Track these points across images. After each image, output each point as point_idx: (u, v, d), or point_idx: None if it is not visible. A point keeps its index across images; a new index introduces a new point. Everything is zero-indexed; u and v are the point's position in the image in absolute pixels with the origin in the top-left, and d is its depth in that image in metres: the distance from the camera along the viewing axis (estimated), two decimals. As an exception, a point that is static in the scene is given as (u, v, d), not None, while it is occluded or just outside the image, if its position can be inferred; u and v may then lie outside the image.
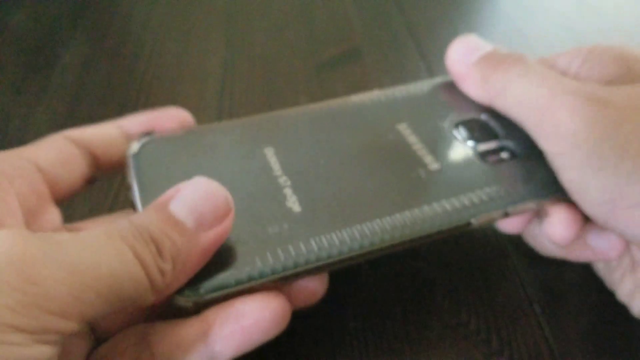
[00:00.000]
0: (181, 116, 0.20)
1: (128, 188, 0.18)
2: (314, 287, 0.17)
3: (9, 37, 0.37)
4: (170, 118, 0.20)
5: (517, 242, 0.23)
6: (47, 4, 0.41)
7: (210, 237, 0.15)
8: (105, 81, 0.33)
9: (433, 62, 0.35)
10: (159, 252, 0.13)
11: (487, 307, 0.21)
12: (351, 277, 0.22)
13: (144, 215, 0.14)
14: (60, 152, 0.18)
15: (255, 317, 0.15)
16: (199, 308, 0.15)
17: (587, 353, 0.19)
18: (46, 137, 0.18)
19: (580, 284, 0.22)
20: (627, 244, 0.19)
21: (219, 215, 0.15)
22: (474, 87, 0.21)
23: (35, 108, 0.31)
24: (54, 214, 0.17)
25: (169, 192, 0.15)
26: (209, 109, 0.31)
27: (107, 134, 0.19)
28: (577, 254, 0.20)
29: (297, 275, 0.16)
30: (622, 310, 0.20)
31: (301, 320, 0.20)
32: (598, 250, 0.20)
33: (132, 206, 0.17)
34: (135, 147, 0.19)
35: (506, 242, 0.23)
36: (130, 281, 0.13)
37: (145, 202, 0.17)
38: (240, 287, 0.15)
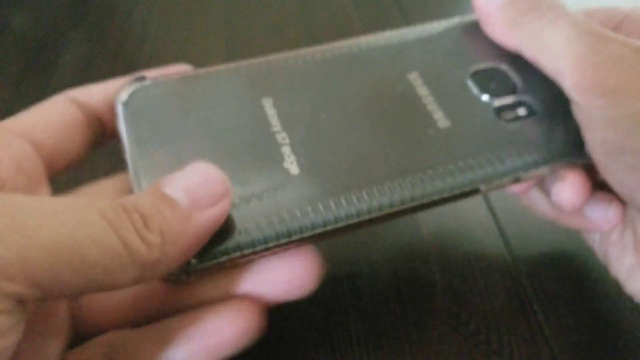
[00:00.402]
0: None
1: (118, 140, 0.17)
2: (303, 279, 0.16)
3: (9, 37, 0.37)
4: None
5: (517, 242, 0.23)
6: (48, 3, 0.41)
7: (205, 218, 0.14)
8: (105, 80, 0.33)
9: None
10: (146, 223, 0.13)
11: (487, 307, 0.21)
12: (351, 277, 0.22)
13: (134, 195, 0.14)
14: (62, 119, 0.17)
15: (220, 335, 0.15)
16: (190, 277, 0.15)
17: (587, 353, 0.19)
18: (49, 98, 0.18)
19: (580, 284, 0.22)
20: (623, 218, 0.19)
21: (215, 195, 0.14)
22: (502, 29, 0.19)
23: (35, 108, 0.31)
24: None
25: (165, 179, 0.14)
26: (209, 109, 0.31)
27: (113, 93, 0.18)
28: (570, 221, 0.20)
29: (295, 243, 0.15)
30: (622, 310, 0.21)
31: (302, 321, 0.20)
32: (592, 221, 0.19)
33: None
34: (124, 95, 0.17)
35: (506, 242, 0.23)
36: (100, 248, 0.12)
37: (135, 156, 0.16)
38: (233, 256, 0.15)
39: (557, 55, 0.17)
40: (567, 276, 0.22)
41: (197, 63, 0.35)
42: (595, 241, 0.21)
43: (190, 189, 0.14)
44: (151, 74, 0.18)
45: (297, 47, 0.37)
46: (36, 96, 0.32)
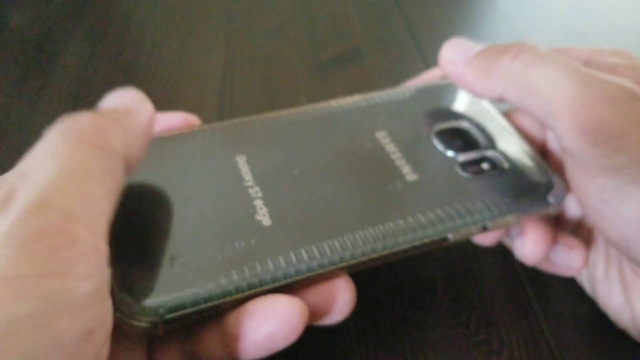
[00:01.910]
0: (189, 119, 0.20)
1: None
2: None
3: (9, 37, 0.37)
4: (177, 120, 0.20)
5: (517, 242, 0.23)
6: (47, 4, 0.41)
7: (143, 112, 0.15)
8: (105, 81, 0.33)
9: (433, 62, 0.35)
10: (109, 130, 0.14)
11: (487, 307, 0.21)
12: (351, 277, 0.22)
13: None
14: None
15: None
16: (158, 329, 0.14)
17: (587, 353, 0.19)
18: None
19: (581, 284, 0.22)
20: (587, 263, 0.20)
21: (138, 99, 0.16)
22: (478, 81, 0.18)
23: (35, 108, 0.31)
24: None
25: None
26: (209, 109, 0.31)
27: None
28: (538, 264, 0.20)
29: (264, 294, 0.15)
30: (622, 310, 0.20)
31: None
32: (557, 266, 0.20)
33: None
34: None
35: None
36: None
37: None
38: (202, 307, 0.15)
39: (547, 99, 0.16)
40: (569, 277, 0.22)
41: (197, 62, 0.35)
42: (583, 276, 0.21)
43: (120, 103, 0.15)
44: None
45: (297, 47, 0.37)
46: (36, 96, 0.32)
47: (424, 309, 0.21)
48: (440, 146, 0.20)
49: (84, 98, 0.31)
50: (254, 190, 0.18)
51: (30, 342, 0.10)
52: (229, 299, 0.15)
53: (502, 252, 0.23)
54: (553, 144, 0.21)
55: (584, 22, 0.40)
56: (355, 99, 0.22)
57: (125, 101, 0.16)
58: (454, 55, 0.19)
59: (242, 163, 0.19)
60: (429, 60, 0.35)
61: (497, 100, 0.18)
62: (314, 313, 0.16)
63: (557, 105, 0.15)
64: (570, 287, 0.21)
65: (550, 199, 0.18)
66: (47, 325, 0.10)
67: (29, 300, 0.10)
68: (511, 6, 0.42)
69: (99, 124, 0.14)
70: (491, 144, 0.20)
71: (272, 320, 0.14)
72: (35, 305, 0.10)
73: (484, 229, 0.18)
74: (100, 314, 0.12)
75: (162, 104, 0.31)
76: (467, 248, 0.23)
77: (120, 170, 0.14)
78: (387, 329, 0.20)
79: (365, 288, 0.21)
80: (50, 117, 0.18)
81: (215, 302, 0.15)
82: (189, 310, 0.14)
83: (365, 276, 0.22)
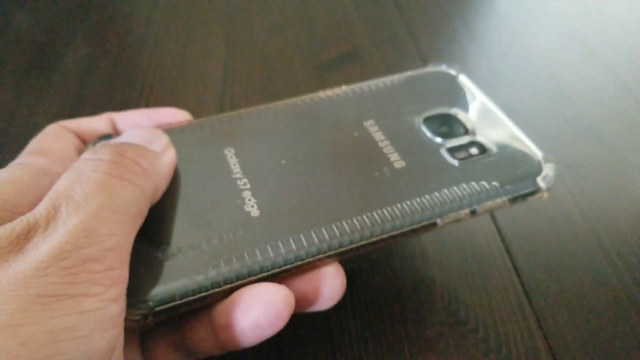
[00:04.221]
0: (179, 115, 0.20)
1: None
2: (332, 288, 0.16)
3: (10, 37, 0.37)
4: (168, 116, 0.20)
5: (516, 241, 0.23)
6: (49, 4, 0.41)
7: (167, 155, 0.17)
8: (107, 81, 0.33)
9: (433, 62, 0.35)
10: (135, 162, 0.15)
11: (485, 306, 0.21)
12: (350, 276, 0.22)
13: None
14: (67, 143, 0.18)
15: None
16: (148, 322, 0.14)
17: (585, 352, 0.19)
18: (45, 128, 0.18)
19: (579, 285, 0.22)
20: None
21: (164, 143, 0.17)
22: None
23: (37, 108, 0.31)
24: None
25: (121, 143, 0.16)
26: (209, 109, 0.31)
27: (98, 128, 0.19)
28: None
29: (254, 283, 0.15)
30: (620, 310, 0.21)
31: (302, 321, 0.20)
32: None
33: None
34: (100, 145, 0.18)
35: (506, 241, 0.23)
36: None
37: None
38: (192, 298, 0.15)
39: None
40: (566, 275, 0.22)
41: (198, 63, 0.35)
42: None
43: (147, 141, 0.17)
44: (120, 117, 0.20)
45: (297, 47, 0.37)
46: (38, 96, 0.32)
47: (423, 307, 0.21)
48: (428, 133, 0.20)
49: (86, 98, 0.32)
50: (242, 182, 0.18)
51: (70, 351, 0.11)
52: (218, 290, 0.15)
53: (500, 251, 0.23)
54: None
55: (583, 22, 0.40)
56: (343, 89, 0.22)
57: (150, 138, 0.17)
58: None
59: (230, 155, 0.19)
60: (429, 60, 0.35)
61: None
62: (305, 300, 0.16)
63: None
64: (569, 288, 0.22)
65: (540, 181, 0.18)
66: (85, 338, 0.11)
67: (71, 315, 0.11)
68: (510, 6, 0.42)
69: (140, 163, 0.15)
70: (479, 128, 0.20)
71: (257, 308, 0.15)
72: (77, 319, 0.11)
73: (473, 213, 0.18)
74: (120, 335, 0.13)
75: (162, 104, 0.31)
76: (466, 247, 0.23)
77: (147, 209, 0.15)
78: (386, 328, 0.20)
79: (365, 288, 0.21)
80: (52, 117, 0.19)
81: (205, 294, 0.15)
82: (179, 302, 0.15)
83: (366, 276, 0.22)
